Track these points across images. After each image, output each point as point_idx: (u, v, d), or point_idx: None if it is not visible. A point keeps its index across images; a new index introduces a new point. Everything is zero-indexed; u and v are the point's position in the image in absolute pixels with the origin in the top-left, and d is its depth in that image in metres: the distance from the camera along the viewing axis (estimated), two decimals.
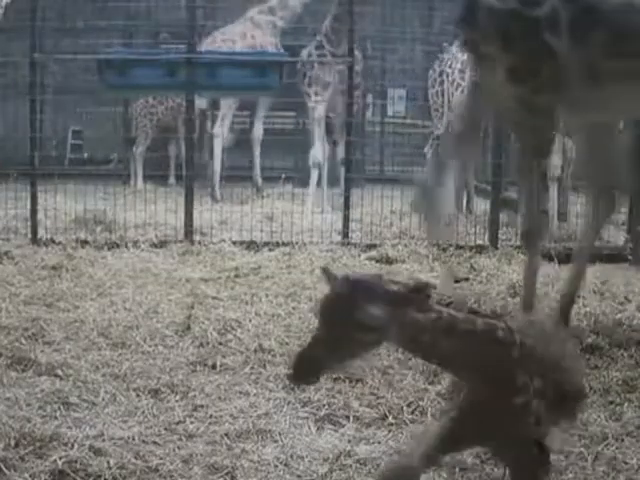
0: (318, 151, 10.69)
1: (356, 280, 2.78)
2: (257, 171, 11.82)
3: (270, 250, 8.00)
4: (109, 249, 7.93)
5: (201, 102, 11.43)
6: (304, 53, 10.86)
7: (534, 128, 5.32)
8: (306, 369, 2.73)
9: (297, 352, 2.78)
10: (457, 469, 3.63)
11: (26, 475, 3.46)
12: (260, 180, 11.69)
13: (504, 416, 2.87)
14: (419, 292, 2.76)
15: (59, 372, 4.66)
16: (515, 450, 2.94)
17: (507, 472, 3.11)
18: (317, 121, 10.76)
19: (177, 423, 4.08)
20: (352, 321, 2.69)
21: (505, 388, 2.87)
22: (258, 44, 11.26)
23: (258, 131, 11.90)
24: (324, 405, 4.30)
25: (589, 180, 6.12)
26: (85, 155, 14.20)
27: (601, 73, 5.20)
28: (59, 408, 4.18)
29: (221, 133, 11.50)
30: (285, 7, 11.43)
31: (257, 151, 11.89)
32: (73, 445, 3.68)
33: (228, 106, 11.61)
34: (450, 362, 2.90)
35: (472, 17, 5.35)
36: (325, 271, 2.90)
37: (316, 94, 10.67)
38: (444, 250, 7.89)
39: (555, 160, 9.00)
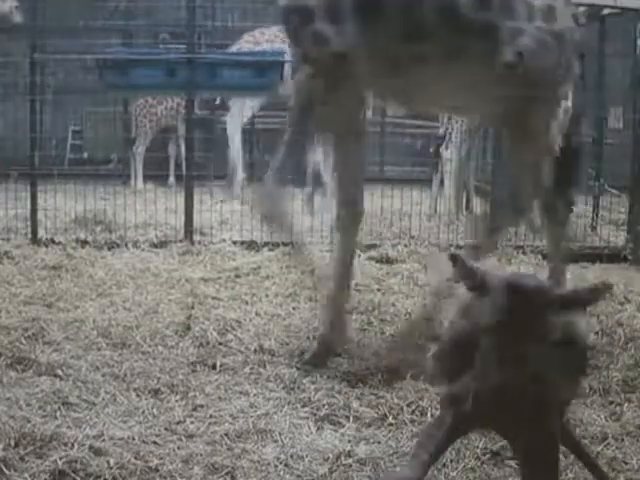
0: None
1: (532, 288, 2.65)
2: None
3: (270, 250, 8.00)
4: (109, 249, 7.93)
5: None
6: None
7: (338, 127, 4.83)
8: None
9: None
10: (457, 469, 3.63)
11: (26, 475, 3.45)
12: None
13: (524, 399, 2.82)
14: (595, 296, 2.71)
15: (59, 372, 4.66)
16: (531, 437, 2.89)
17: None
18: None
19: (177, 423, 4.08)
20: (547, 335, 2.62)
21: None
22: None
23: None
24: (324, 405, 4.29)
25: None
26: (85, 155, 14.20)
27: (398, 60, 4.62)
28: (59, 408, 4.18)
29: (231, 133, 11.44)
30: None
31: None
32: (73, 445, 3.67)
33: (239, 107, 11.53)
34: None
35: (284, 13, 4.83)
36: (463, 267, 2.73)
37: None
38: (444, 250, 7.89)
39: None
